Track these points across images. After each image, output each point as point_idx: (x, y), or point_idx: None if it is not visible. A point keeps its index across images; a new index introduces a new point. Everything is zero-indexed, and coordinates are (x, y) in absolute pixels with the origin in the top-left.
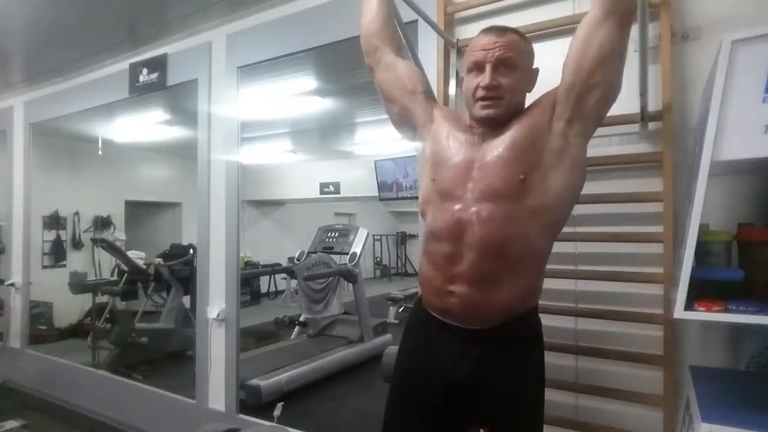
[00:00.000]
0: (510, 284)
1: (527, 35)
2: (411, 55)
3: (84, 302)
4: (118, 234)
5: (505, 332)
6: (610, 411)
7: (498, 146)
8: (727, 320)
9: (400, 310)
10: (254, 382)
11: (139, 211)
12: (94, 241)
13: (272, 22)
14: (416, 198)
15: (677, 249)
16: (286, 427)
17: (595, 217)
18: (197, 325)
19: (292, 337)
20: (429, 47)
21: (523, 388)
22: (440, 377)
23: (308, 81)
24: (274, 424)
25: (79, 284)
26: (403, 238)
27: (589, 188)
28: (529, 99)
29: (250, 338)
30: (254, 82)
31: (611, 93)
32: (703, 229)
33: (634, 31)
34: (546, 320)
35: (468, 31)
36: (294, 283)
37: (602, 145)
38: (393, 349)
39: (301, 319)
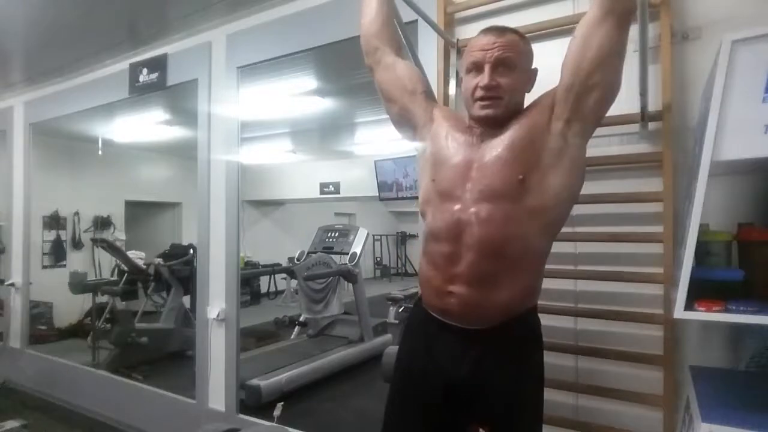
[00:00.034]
0: (509, 284)
1: (527, 35)
2: (411, 55)
3: (84, 302)
4: (118, 234)
5: (504, 332)
6: (610, 411)
7: (497, 146)
8: (727, 320)
9: (400, 310)
10: (254, 382)
11: (139, 211)
12: (94, 241)
13: (272, 22)
14: (416, 198)
15: (677, 249)
16: (286, 427)
17: (595, 217)
18: (197, 325)
19: (292, 337)
20: (429, 47)
21: (522, 388)
22: (440, 377)
23: (308, 81)
24: (274, 424)
25: (79, 284)
26: (403, 238)
27: (589, 188)
28: (528, 99)
29: (250, 338)
30: (254, 82)
31: (610, 93)
32: (703, 229)
33: (634, 31)
34: (546, 320)
35: (468, 31)
36: (294, 283)
37: (602, 145)
38: (393, 349)
39: (301, 319)
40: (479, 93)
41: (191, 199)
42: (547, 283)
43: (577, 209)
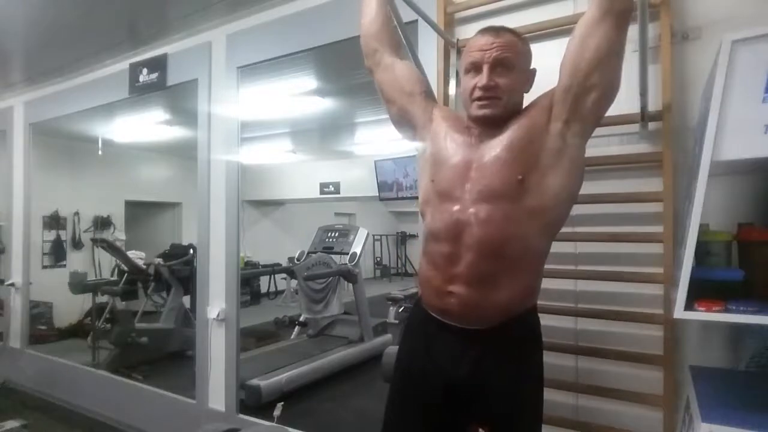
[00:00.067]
0: (508, 284)
1: (527, 35)
2: (411, 55)
3: (84, 302)
4: (118, 234)
5: (504, 332)
6: (610, 411)
7: (496, 147)
8: (727, 320)
9: (400, 310)
10: (254, 382)
11: (139, 211)
12: (94, 241)
13: (272, 22)
14: (416, 198)
15: (677, 249)
16: (286, 427)
17: (595, 217)
18: (197, 325)
19: (292, 337)
20: (429, 47)
21: (521, 388)
22: (440, 377)
23: (308, 81)
24: (274, 424)
25: (79, 284)
26: (403, 238)
27: (589, 188)
28: (527, 99)
29: (250, 338)
30: (254, 82)
31: (609, 93)
32: (703, 229)
33: (634, 31)
34: (546, 320)
35: (468, 31)
36: (294, 283)
37: (602, 145)
38: (393, 349)
39: (301, 319)
40: (477, 93)
41: (191, 199)
42: (547, 283)
43: (577, 209)
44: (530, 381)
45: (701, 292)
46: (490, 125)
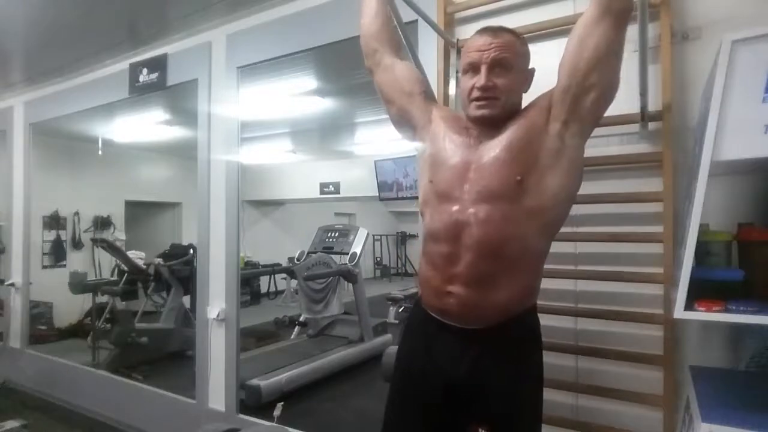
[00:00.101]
0: (507, 284)
1: (527, 35)
2: (411, 56)
3: (84, 302)
4: (118, 234)
5: (503, 332)
6: (610, 411)
7: (494, 147)
8: (727, 320)
9: (400, 310)
10: (254, 382)
11: (139, 211)
12: (94, 241)
13: (272, 22)
14: (416, 198)
15: (677, 249)
16: (286, 427)
17: (595, 217)
18: (197, 325)
19: (292, 337)
20: (429, 47)
21: (521, 388)
22: (439, 377)
23: (308, 81)
24: (274, 424)
25: (79, 284)
26: (403, 238)
27: (589, 188)
28: (526, 99)
29: (250, 338)
30: (254, 82)
31: (608, 93)
32: (703, 229)
33: (634, 31)
34: (546, 320)
35: (468, 31)
36: (294, 283)
37: (602, 145)
38: (393, 349)
39: (301, 319)
40: (475, 94)
41: (191, 199)
42: (548, 283)
43: (577, 209)
44: (529, 381)
45: (701, 292)
46: (488, 126)
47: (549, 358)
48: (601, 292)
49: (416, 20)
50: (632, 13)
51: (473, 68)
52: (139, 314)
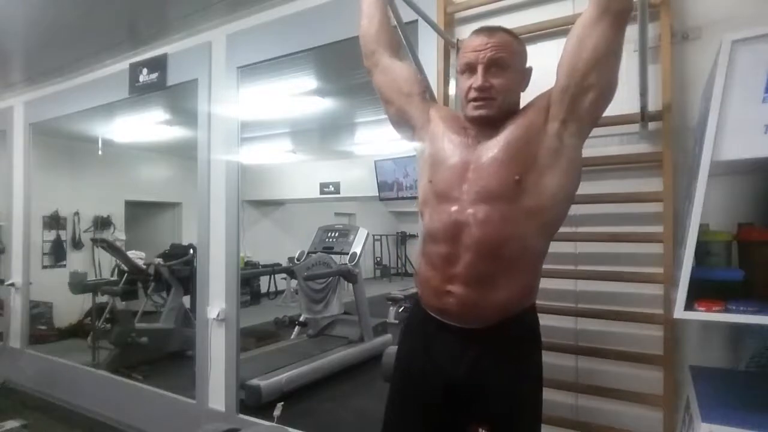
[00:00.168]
0: (506, 284)
1: (527, 35)
2: (411, 56)
3: (84, 302)
4: (118, 234)
5: (502, 332)
6: (610, 411)
7: (493, 147)
8: (727, 320)
9: (400, 310)
10: (254, 382)
11: (139, 211)
12: (94, 241)
13: (272, 22)
14: (416, 198)
15: (677, 249)
16: (286, 427)
17: (595, 217)
18: (197, 325)
19: (292, 337)
20: (429, 47)
21: (520, 387)
22: (439, 377)
23: (308, 81)
24: (274, 424)
25: (79, 284)
26: (403, 238)
27: (589, 188)
28: (524, 98)
29: (250, 338)
30: (254, 82)
31: (607, 94)
32: (703, 229)
33: (634, 31)
34: (546, 320)
35: (468, 31)
36: (294, 283)
37: (602, 145)
38: (393, 349)
39: (301, 319)
40: (472, 94)
41: (191, 199)
42: (548, 283)
43: (577, 209)
44: (529, 381)
45: (701, 292)
46: (486, 125)
47: (549, 358)
48: (601, 292)
49: (416, 20)
50: (631, 13)
51: (470, 68)
52: (139, 314)
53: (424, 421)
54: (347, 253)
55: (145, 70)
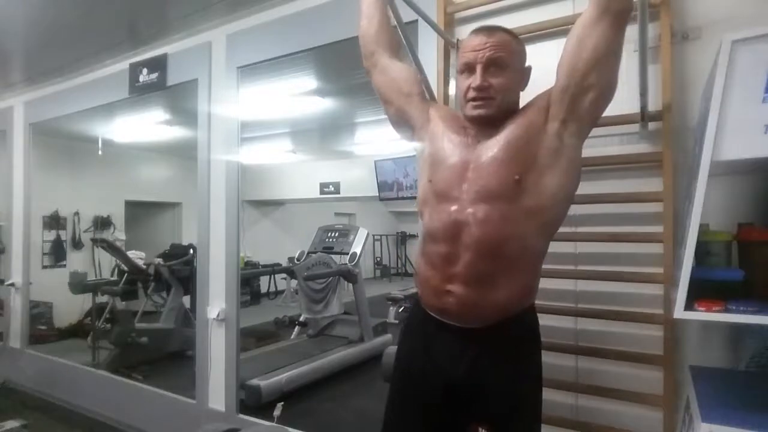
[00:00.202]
0: (506, 284)
1: (527, 35)
2: (411, 56)
3: (84, 302)
4: (118, 234)
5: (501, 332)
6: (610, 411)
7: (492, 147)
8: (727, 320)
9: (400, 310)
10: (254, 382)
11: (139, 211)
12: (94, 241)
13: (272, 22)
14: (416, 198)
15: (677, 249)
16: (286, 427)
17: (595, 217)
18: (197, 325)
19: (292, 337)
20: (429, 47)
21: (520, 387)
22: (439, 377)
23: (308, 81)
24: (274, 424)
25: (79, 284)
26: (403, 238)
27: (589, 188)
28: (524, 97)
29: (250, 338)
30: (254, 82)
31: (607, 93)
32: (703, 229)
33: (634, 31)
34: (546, 320)
35: (468, 31)
36: (294, 283)
37: (602, 145)
38: (393, 349)
39: (301, 319)
40: (471, 94)
41: (191, 199)
42: (548, 283)
43: (577, 209)
44: (528, 380)
45: (701, 292)
46: (486, 125)
47: (549, 358)
48: (601, 292)
49: (416, 20)
50: (631, 13)
51: (469, 68)
52: (139, 314)
53: (424, 421)
54: (347, 253)
55: (145, 70)
